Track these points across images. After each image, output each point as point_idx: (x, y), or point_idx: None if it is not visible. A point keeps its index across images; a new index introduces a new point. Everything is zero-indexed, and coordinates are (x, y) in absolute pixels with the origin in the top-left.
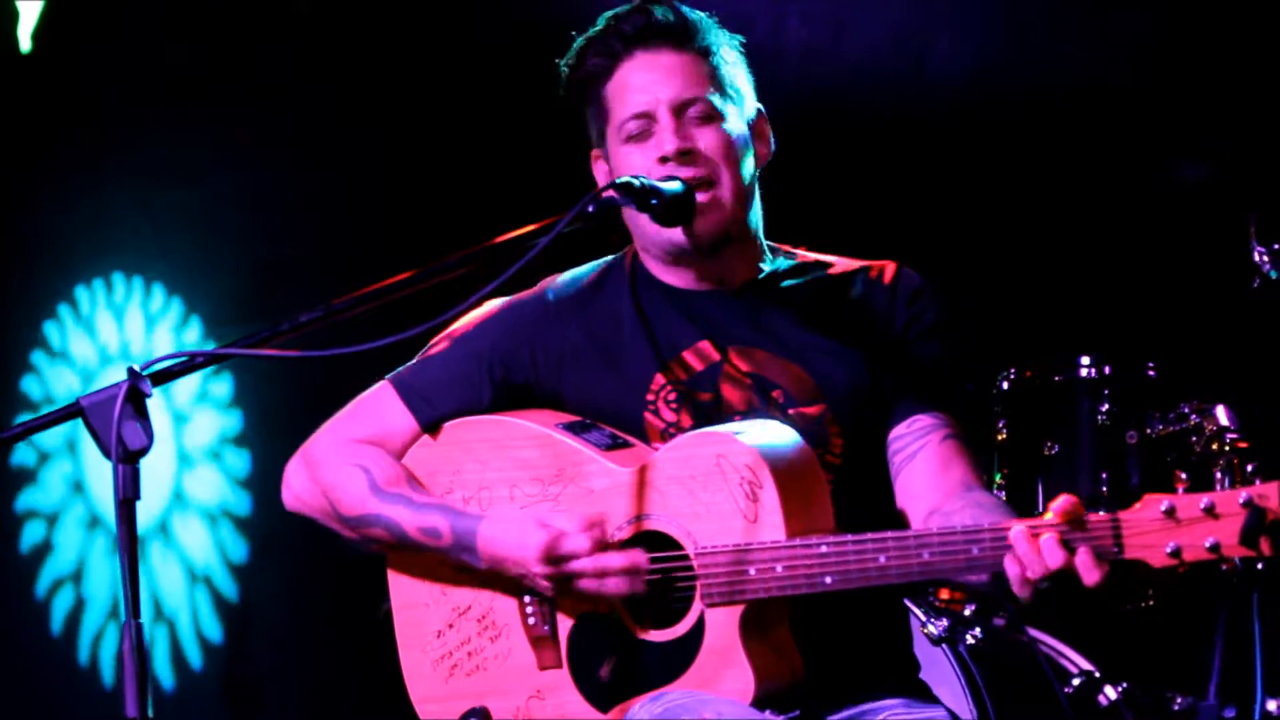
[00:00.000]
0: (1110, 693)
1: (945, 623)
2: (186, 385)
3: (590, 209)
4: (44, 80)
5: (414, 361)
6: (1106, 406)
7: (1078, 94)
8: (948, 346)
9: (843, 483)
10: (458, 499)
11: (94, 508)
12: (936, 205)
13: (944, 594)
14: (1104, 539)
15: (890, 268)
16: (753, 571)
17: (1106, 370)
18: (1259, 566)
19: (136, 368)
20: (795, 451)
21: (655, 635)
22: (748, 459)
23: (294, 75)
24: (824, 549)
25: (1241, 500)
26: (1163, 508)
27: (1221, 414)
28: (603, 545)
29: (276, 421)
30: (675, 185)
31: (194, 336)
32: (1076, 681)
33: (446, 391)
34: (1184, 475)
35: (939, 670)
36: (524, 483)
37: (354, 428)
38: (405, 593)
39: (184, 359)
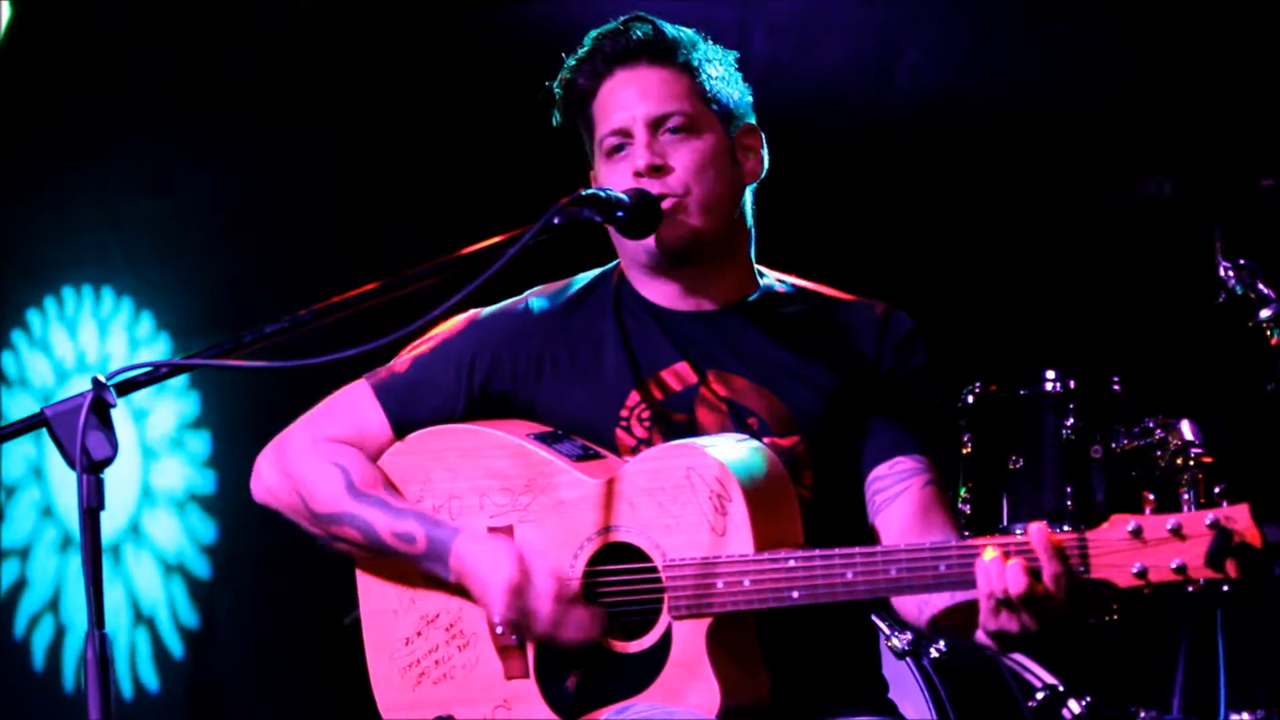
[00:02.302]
0: (1074, 707)
1: (909, 636)
2: None
3: (556, 221)
4: (10, 87)
5: (392, 363)
6: (1071, 421)
7: (1043, 109)
8: (933, 392)
9: (811, 515)
10: (427, 507)
11: (66, 528)
12: (902, 219)
13: None
14: (1071, 558)
15: (880, 307)
16: (720, 585)
17: (1071, 384)
18: (1224, 588)
19: (101, 378)
20: (765, 466)
21: (622, 647)
22: (717, 472)
23: (262, 83)
24: (792, 563)
25: (1208, 521)
26: (1129, 528)
27: (1186, 429)
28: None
29: (235, 399)
30: (638, 195)
31: (146, 334)
32: (1040, 695)
33: (423, 396)
34: (1151, 496)
35: (903, 684)
36: (494, 492)
37: (330, 425)
38: (374, 599)
39: (149, 369)
